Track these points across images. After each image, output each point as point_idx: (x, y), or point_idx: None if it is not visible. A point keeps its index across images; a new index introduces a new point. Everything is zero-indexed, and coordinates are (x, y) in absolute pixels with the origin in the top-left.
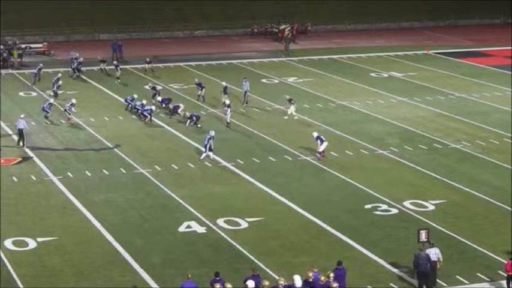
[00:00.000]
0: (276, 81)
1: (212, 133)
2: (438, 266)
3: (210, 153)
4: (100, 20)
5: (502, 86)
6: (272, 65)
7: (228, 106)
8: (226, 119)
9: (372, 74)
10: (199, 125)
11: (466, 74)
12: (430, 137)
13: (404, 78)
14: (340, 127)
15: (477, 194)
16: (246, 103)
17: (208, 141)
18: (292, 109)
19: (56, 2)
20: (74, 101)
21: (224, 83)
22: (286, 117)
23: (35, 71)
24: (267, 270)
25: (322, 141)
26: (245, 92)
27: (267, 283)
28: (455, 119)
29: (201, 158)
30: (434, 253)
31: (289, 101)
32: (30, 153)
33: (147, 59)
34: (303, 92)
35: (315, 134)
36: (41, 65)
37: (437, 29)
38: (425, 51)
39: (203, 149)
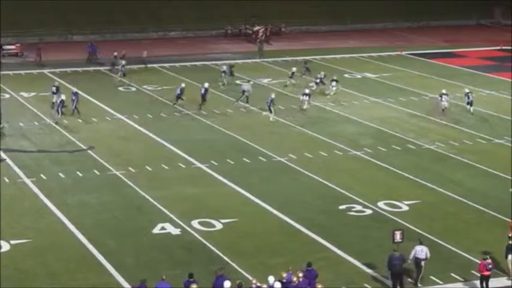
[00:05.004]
0: (250, 82)
1: (272, 95)
2: (423, 264)
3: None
4: (73, 22)
5: (476, 87)
6: (246, 66)
7: (306, 95)
8: (302, 106)
9: (346, 75)
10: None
11: (440, 75)
12: (404, 138)
13: (378, 79)
14: (314, 128)
15: (451, 194)
16: (237, 102)
17: (270, 103)
18: (333, 90)
19: (28, 2)
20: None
21: (294, 68)
22: (328, 97)
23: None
24: (241, 271)
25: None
26: (243, 91)
27: (254, 281)
28: (429, 120)
29: (271, 119)
30: (420, 250)
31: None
32: (3, 155)
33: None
34: (277, 93)
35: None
36: (124, 62)
37: (410, 30)
38: (399, 52)
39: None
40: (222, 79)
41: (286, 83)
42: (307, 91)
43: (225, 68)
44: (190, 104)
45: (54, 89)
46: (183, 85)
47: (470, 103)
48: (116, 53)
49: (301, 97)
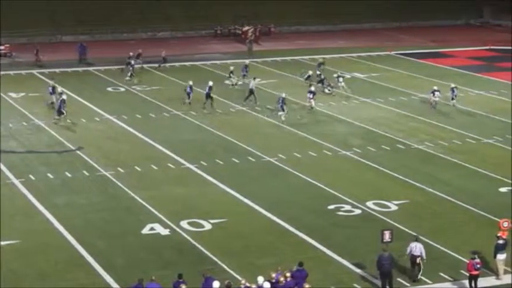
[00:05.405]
0: (240, 82)
1: (283, 95)
2: (418, 261)
3: (283, 113)
4: (63, 22)
5: (464, 86)
6: (235, 66)
7: (311, 92)
8: (307, 104)
9: (335, 75)
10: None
11: (429, 75)
12: (393, 138)
13: (367, 79)
14: (304, 128)
15: (439, 194)
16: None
17: (281, 103)
18: (343, 84)
19: (17, 3)
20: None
21: (310, 72)
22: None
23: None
24: (230, 271)
25: None
26: (250, 90)
27: (243, 281)
28: (418, 120)
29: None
30: (414, 247)
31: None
32: None
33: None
34: (266, 93)
35: None
36: (132, 61)
37: (399, 30)
38: (388, 52)
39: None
40: (232, 79)
41: (311, 85)
42: (312, 89)
43: (232, 68)
44: (180, 105)
45: (50, 89)
46: (190, 82)
47: (453, 97)
48: (131, 53)
49: (307, 95)
